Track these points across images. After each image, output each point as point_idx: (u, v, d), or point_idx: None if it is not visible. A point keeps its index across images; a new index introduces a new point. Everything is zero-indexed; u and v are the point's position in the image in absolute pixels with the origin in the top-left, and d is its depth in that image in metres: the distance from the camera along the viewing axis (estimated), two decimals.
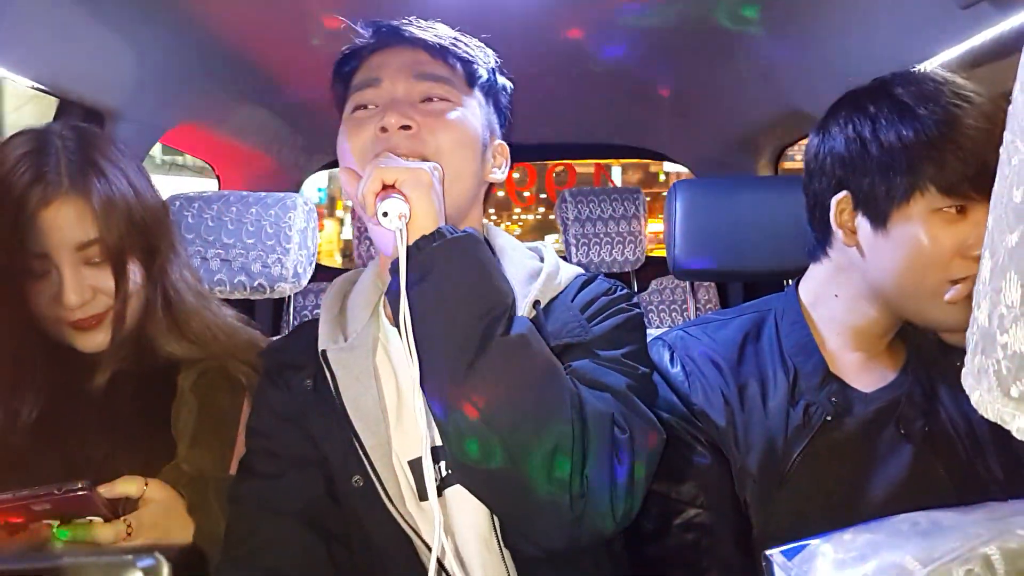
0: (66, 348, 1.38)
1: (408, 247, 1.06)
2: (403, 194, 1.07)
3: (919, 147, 1.19)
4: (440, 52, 1.27)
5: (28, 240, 1.29)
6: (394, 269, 1.07)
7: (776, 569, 0.67)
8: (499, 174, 1.37)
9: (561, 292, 1.30)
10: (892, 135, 1.23)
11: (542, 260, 1.36)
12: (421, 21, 1.30)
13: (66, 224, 1.30)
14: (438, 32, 1.28)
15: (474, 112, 1.29)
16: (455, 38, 1.30)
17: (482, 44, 1.35)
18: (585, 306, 1.27)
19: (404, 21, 1.29)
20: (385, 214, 1.06)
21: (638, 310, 1.31)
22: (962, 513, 0.68)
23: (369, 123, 1.22)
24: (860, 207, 1.28)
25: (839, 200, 1.31)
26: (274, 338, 1.57)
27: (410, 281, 1.05)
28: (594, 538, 1.06)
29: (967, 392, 0.55)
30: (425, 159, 1.18)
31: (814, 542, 0.67)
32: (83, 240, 1.31)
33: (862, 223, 1.28)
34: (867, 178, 1.26)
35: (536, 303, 1.25)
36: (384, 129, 1.19)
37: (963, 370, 0.56)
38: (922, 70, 1.30)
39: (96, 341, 1.37)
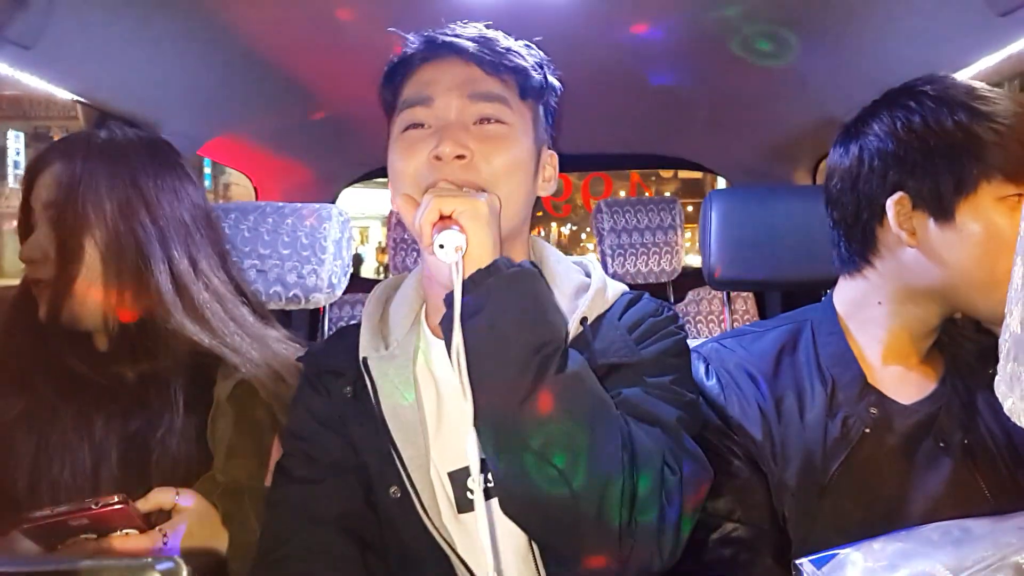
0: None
1: (464, 280, 1.05)
2: (460, 225, 1.06)
3: (982, 133, 1.18)
4: (493, 67, 1.24)
5: (29, 196, 1.42)
6: (448, 301, 1.06)
7: None
8: (549, 187, 1.36)
9: (608, 309, 1.29)
10: (949, 123, 1.21)
11: (588, 275, 1.35)
12: (470, 27, 1.28)
13: (44, 183, 1.41)
14: (490, 41, 1.26)
15: (527, 128, 1.28)
16: (508, 47, 1.27)
17: (531, 45, 1.33)
18: (632, 326, 1.26)
19: (455, 29, 1.27)
20: (441, 246, 1.05)
21: (683, 333, 1.29)
22: (993, 522, 0.67)
23: (422, 146, 1.20)
24: (921, 205, 1.25)
25: (896, 201, 1.27)
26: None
27: (465, 314, 1.03)
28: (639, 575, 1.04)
29: (1000, 400, 0.54)
30: (479, 187, 1.17)
31: (844, 551, 0.66)
32: (47, 199, 1.40)
33: (925, 221, 1.25)
34: (929, 172, 1.23)
35: (583, 319, 1.24)
36: (438, 157, 1.18)
37: (995, 378, 0.55)
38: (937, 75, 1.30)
39: (43, 307, 1.41)
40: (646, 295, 1.36)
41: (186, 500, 1.28)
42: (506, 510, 1.09)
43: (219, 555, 1.29)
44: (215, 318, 1.47)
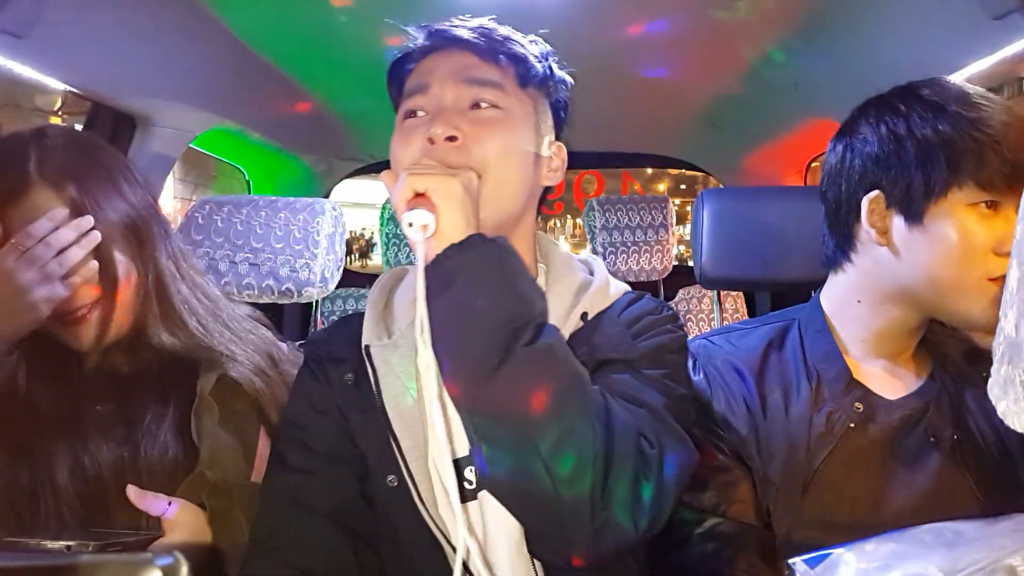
0: (60, 344, 1.37)
1: (437, 255, 1.05)
2: (432, 203, 1.06)
3: (959, 141, 1.19)
4: (490, 54, 1.24)
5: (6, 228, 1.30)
6: (428, 269, 1.06)
7: None
8: (554, 178, 1.34)
9: (609, 306, 1.30)
10: (928, 130, 1.22)
11: (592, 273, 1.35)
12: (471, 20, 1.28)
13: (38, 215, 1.29)
14: (488, 31, 1.27)
15: (526, 115, 1.27)
16: (507, 36, 1.27)
17: (537, 39, 1.33)
18: (632, 322, 1.26)
19: (455, 21, 1.28)
20: (411, 224, 1.05)
21: (682, 332, 1.30)
22: (986, 524, 0.67)
23: (418, 132, 1.20)
24: (894, 205, 1.27)
25: (871, 199, 1.29)
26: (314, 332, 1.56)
27: (435, 290, 1.04)
28: (615, 549, 1.04)
29: (993, 403, 0.55)
30: (471, 170, 1.16)
31: (837, 551, 0.66)
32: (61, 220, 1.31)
33: (896, 221, 1.27)
34: (903, 174, 1.24)
35: (584, 315, 1.25)
36: (431, 140, 1.18)
37: (989, 380, 0.55)
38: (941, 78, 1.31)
39: (87, 336, 1.35)
40: (647, 295, 1.36)
41: (175, 510, 1.26)
42: (488, 488, 1.10)
43: (217, 552, 1.28)
44: (192, 319, 1.44)
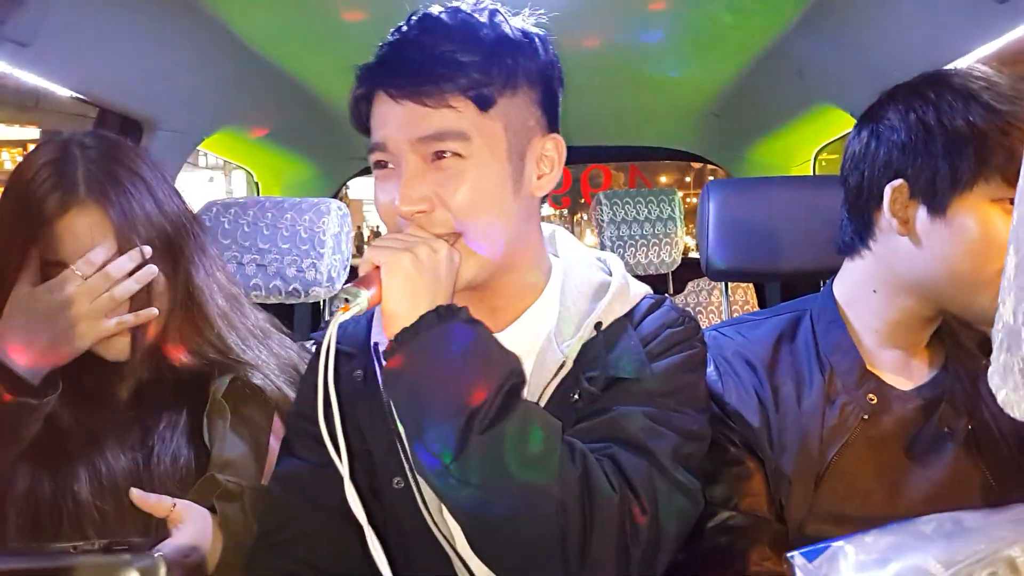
0: (90, 356, 1.35)
1: (391, 342, 1.03)
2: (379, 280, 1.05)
3: (990, 133, 1.17)
4: (436, 96, 1.10)
5: (46, 248, 1.29)
6: (384, 354, 1.06)
7: (797, 571, 0.66)
8: (547, 182, 1.23)
9: (627, 314, 1.24)
10: (959, 121, 1.19)
11: (610, 274, 1.29)
12: (413, 27, 1.15)
13: (83, 233, 1.29)
14: (429, 56, 1.11)
15: (496, 144, 1.14)
16: (452, 62, 1.10)
17: (498, 17, 1.16)
18: (649, 337, 1.21)
19: (391, 46, 1.16)
20: (346, 299, 1.03)
21: (702, 346, 1.25)
22: (986, 515, 0.66)
23: (390, 189, 1.15)
24: (918, 195, 1.24)
25: (895, 188, 1.26)
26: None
27: (390, 380, 1.04)
28: None
29: (993, 391, 0.54)
30: (450, 234, 1.12)
31: (836, 544, 0.66)
32: (106, 248, 1.29)
33: (919, 211, 1.24)
34: (929, 165, 1.22)
35: (598, 324, 1.20)
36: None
37: (989, 369, 0.55)
38: (970, 65, 1.28)
39: (118, 349, 1.35)
40: (668, 301, 1.29)
41: (180, 512, 1.25)
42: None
43: (201, 553, 1.26)
44: (232, 335, 1.45)
